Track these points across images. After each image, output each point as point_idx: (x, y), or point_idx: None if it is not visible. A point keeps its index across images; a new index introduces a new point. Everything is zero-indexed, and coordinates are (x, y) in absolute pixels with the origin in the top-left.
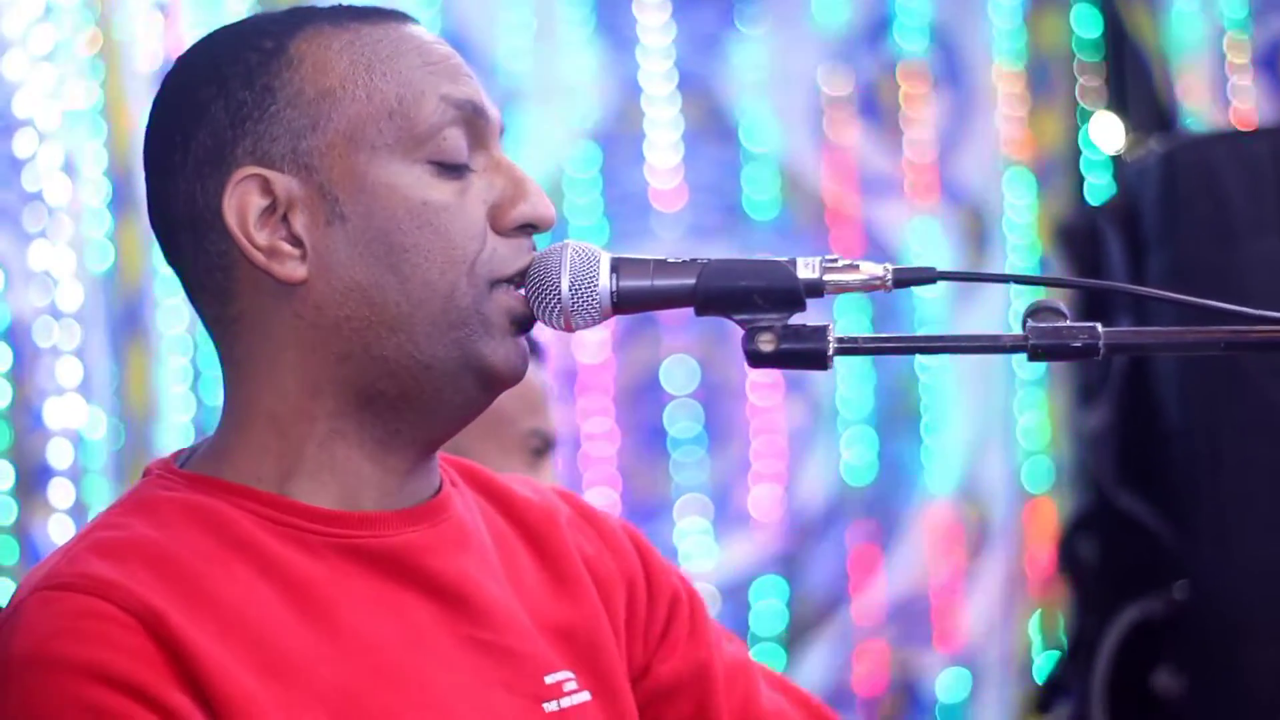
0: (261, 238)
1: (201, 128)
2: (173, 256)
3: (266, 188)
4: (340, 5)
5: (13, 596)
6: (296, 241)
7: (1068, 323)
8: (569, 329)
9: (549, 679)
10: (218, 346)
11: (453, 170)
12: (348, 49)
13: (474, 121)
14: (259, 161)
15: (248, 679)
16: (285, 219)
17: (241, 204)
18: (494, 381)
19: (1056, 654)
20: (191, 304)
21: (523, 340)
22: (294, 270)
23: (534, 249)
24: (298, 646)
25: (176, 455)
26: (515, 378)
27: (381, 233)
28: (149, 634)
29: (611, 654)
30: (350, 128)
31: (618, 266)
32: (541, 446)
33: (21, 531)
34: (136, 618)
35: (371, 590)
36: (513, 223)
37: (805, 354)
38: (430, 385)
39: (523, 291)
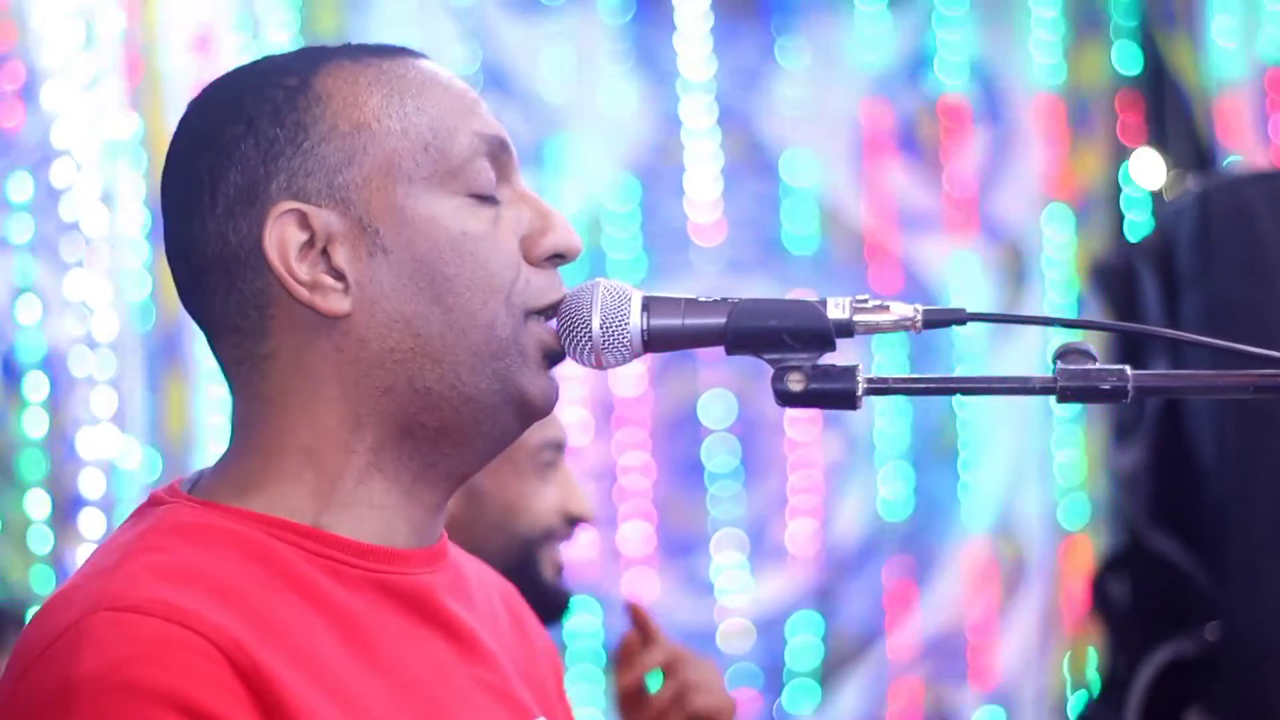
0: (303, 272)
1: (231, 167)
2: (197, 297)
3: (305, 222)
4: (352, 44)
5: (50, 616)
6: (338, 275)
7: (1097, 365)
8: (600, 367)
9: None
10: (240, 383)
11: (485, 201)
12: (376, 83)
13: (499, 155)
14: (295, 197)
15: (323, 711)
16: (325, 253)
17: (281, 239)
18: (531, 413)
19: (1087, 694)
20: (212, 343)
21: (554, 374)
22: (337, 304)
23: (561, 279)
24: (353, 679)
25: (178, 484)
26: (549, 410)
27: (424, 264)
28: (231, 665)
29: (562, 707)
30: (386, 161)
31: (649, 305)
32: (553, 457)
33: (57, 560)
34: (218, 648)
35: (403, 627)
36: (544, 253)
37: (834, 394)
38: (470, 417)
39: (554, 324)
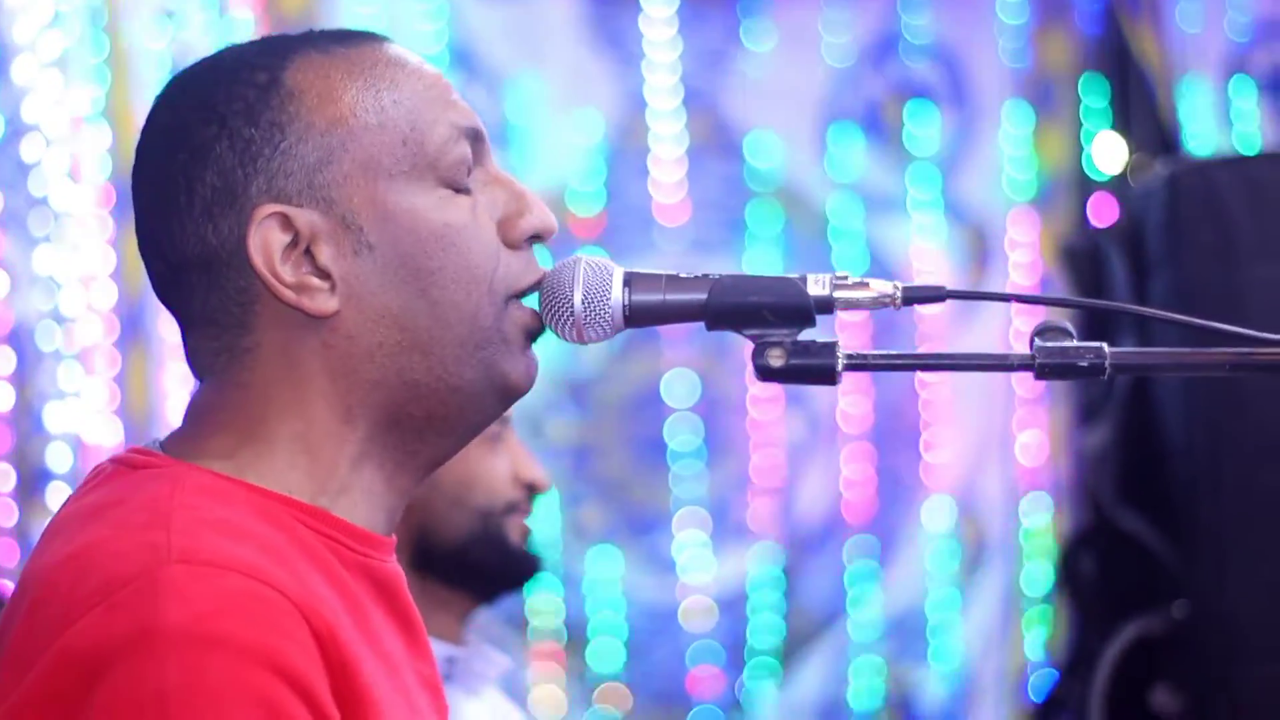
0: (287, 274)
1: (207, 168)
2: (175, 295)
3: (288, 224)
4: (315, 31)
5: (92, 567)
6: (323, 274)
7: (1075, 343)
8: (581, 341)
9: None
10: (216, 371)
11: (462, 190)
12: (348, 76)
13: (476, 139)
14: (275, 198)
15: (373, 686)
16: (308, 253)
17: (265, 242)
18: (513, 395)
19: (1055, 671)
20: (187, 334)
21: (534, 352)
22: (324, 303)
23: (536, 260)
24: (366, 654)
25: (148, 448)
26: (529, 388)
27: (409, 258)
28: (309, 625)
29: None
30: (365, 157)
31: (630, 281)
32: (499, 429)
33: (21, 534)
34: (297, 607)
35: (381, 614)
36: (521, 235)
37: (814, 369)
38: (456, 406)
39: (538, 305)
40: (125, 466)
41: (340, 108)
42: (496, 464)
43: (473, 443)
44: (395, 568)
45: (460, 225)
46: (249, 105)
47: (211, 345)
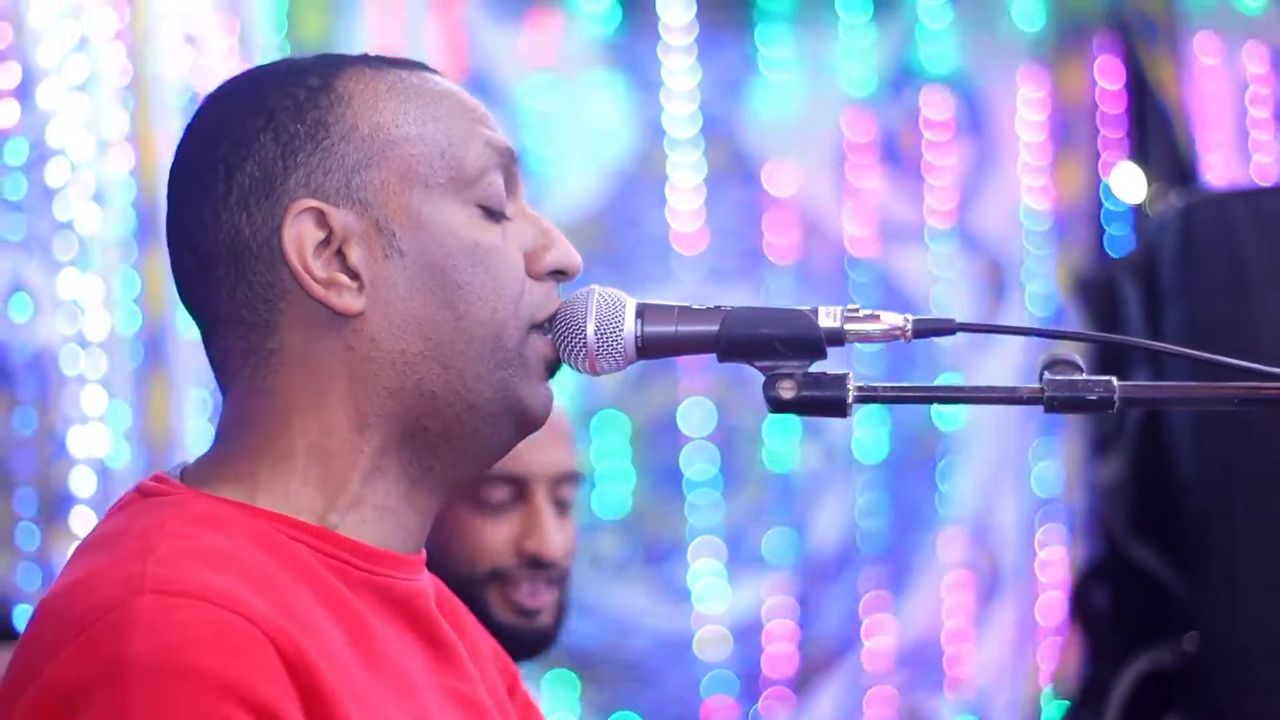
0: (318, 269)
1: (249, 159)
2: (200, 288)
3: (323, 220)
4: (370, 54)
5: (81, 598)
6: (352, 274)
7: (1084, 376)
8: (594, 372)
9: None
10: (243, 377)
11: (495, 215)
12: (394, 90)
13: (509, 169)
14: (313, 194)
15: (347, 705)
16: (339, 253)
17: (300, 236)
18: (529, 424)
19: (1067, 702)
20: (211, 335)
21: (551, 385)
22: (351, 302)
23: (557, 294)
24: (361, 678)
25: (164, 476)
26: (543, 421)
27: (438, 269)
28: (279, 653)
29: (516, 708)
30: (404, 165)
31: (643, 312)
32: (506, 495)
33: (43, 559)
34: (266, 635)
35: (395, 631)
36: (546, 268)
37: (825, 401)
38: (471, 424)
39: (551, 336)
40: (140, 494)
41: (383, 116)
42: (492, 529)
43: (460, 505)
44: (419, 585)
45: (490, 246)
46: (298, 103)
47: (237, 346)
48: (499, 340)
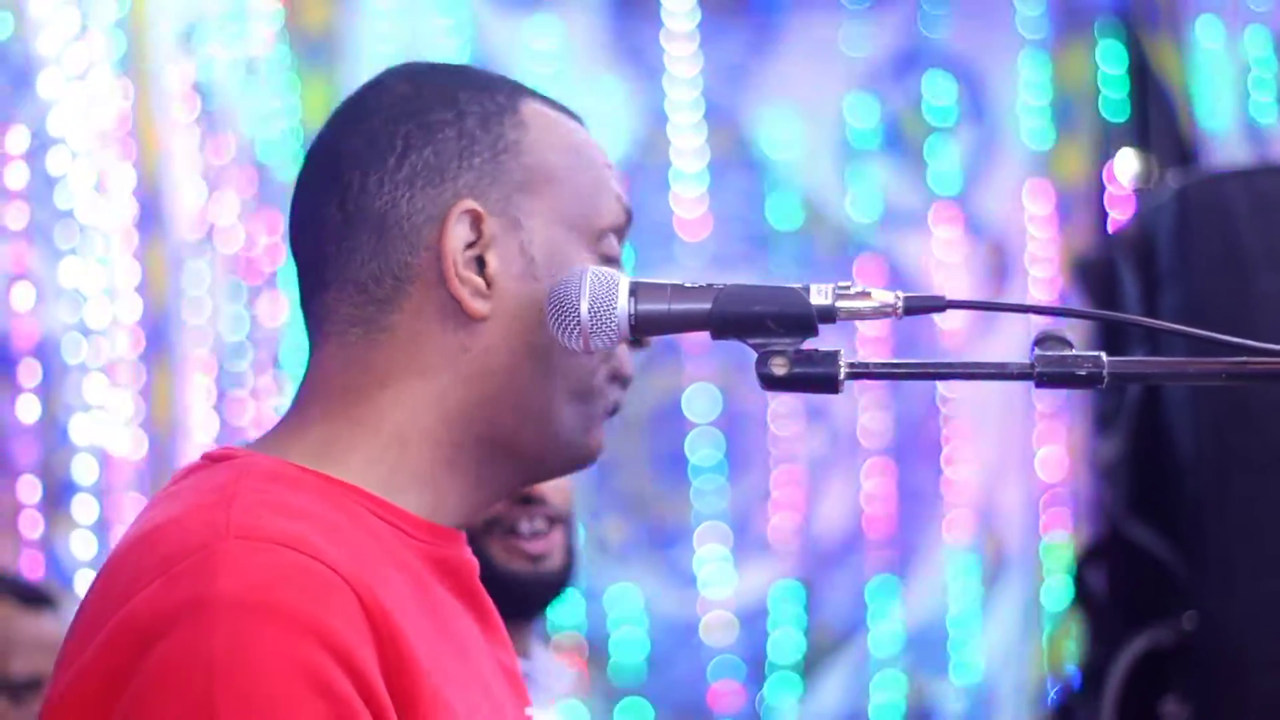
0: (461, 265)
1: (429, 144)
2: (334, 244)
3: (477, 225)
4: (544, 94)
5: (160, 543)
6: (487, 282)
7: (1074, 351)
8: (587, 350)
9: (528, 710)
10: (345, 344)
11: (611, 265)
12: (560, 128)
13: (623, 230)
14: (477, 198)
15: (428, 665)
16: (480, 259)
17: (458, 232)
18: (581, 459)
19: (1066, 685)
20: (323, 291)
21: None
22: (480, 306)
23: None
24: (433, 638)
25: (233, 447)
26: (592, 463)
27: None
28: (361, 605)
29: None
30: (558, 201)
31: (636, 290)
32: None
33: (47, 546)
34: (349, 585)
35: (453, 600)
36: (620, 373)
37: (816, 377)
38: (546, 449)
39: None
40: (207, 460)
41: (554, 153)
42: None
43: None
44: (469, 558)
45: None
46: (486, 112)
47: (352, 311)
48: (592, 378)
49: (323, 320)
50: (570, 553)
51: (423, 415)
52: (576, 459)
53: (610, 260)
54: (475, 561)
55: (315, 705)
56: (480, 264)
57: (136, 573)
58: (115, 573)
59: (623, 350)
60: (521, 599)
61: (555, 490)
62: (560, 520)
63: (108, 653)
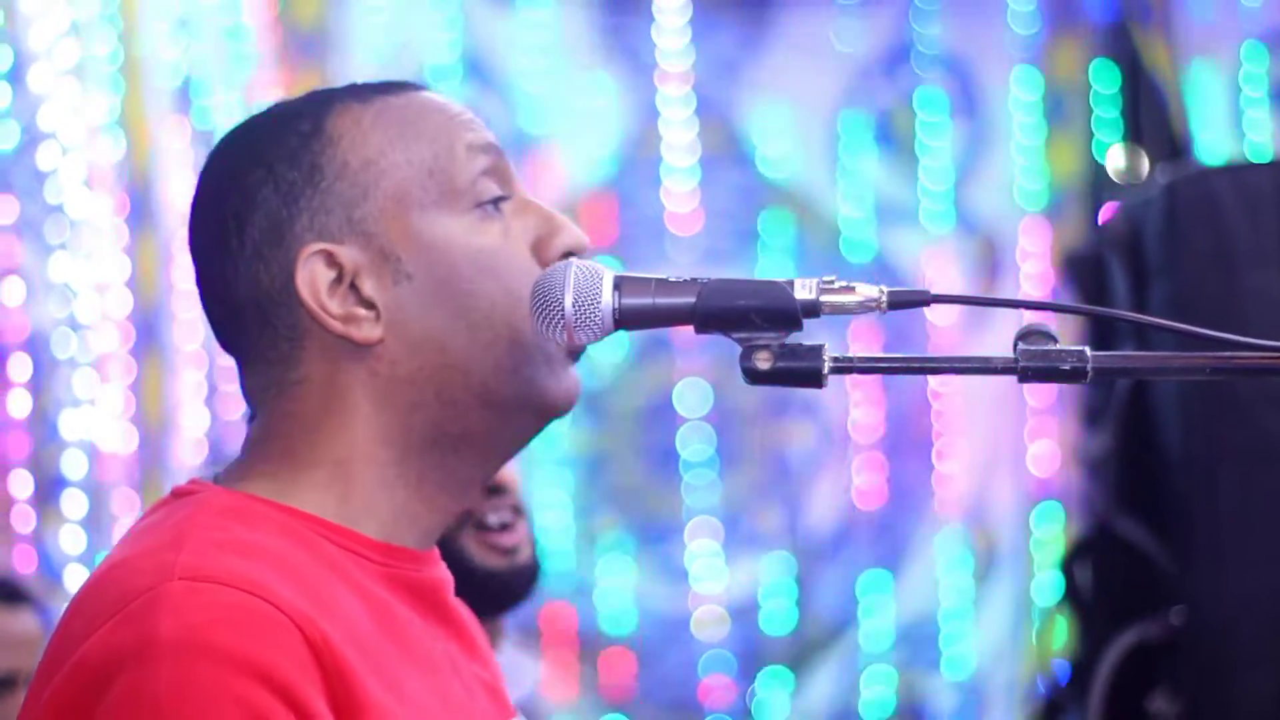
0: (335, 306)
1: (255, 210)
2: (234, 335)
3: (332, 260)
4: (357, 83)
5: (113, 584)
6: (368, 304)
7: (1057, 346)
8: (572, 343)
9: None
10: (268, 404)
11: (493, 213)
12: (379, 119)
13: (498, 164)
14: (319, 236)
15: (378, 693)
16: (353, 286)
17: (312, 278)
18: (553, 413)
19: (1056, 677)
20: (246, 374)
21: (575, 371)
22: (370, 332)
23: None
24: (394, 663)
25: (197, 480)
26: (570, 407)
27: (445, 284)
28: (304, 639)
29: None
30: (397, 191)
31: (620, 284)
32: None
33: (38, 540)
34: (292, 621)
35: (421, 619)
36: (555, 254)
37: (801, 372)
38: (493, 424)
39: (529, 308)
40: (174, 496)
41: (371, 148)
42: None
43: None
44: (436, 575)
45: (494, 249)
46: (292, 151)
47: (263, 381)
48: (516, 339)
49: (249, 393)
50: (534, 544)
51: (359, 444)
52: (541, 416)
53: (487, 199)
54: (447, 578)
55: None
56: (357, 290)
57: (94, 613)
58: (78, 610)
59: None
60: (501, 595)
61: (512, 479)
62: (522, 510)
63: (63, 693)
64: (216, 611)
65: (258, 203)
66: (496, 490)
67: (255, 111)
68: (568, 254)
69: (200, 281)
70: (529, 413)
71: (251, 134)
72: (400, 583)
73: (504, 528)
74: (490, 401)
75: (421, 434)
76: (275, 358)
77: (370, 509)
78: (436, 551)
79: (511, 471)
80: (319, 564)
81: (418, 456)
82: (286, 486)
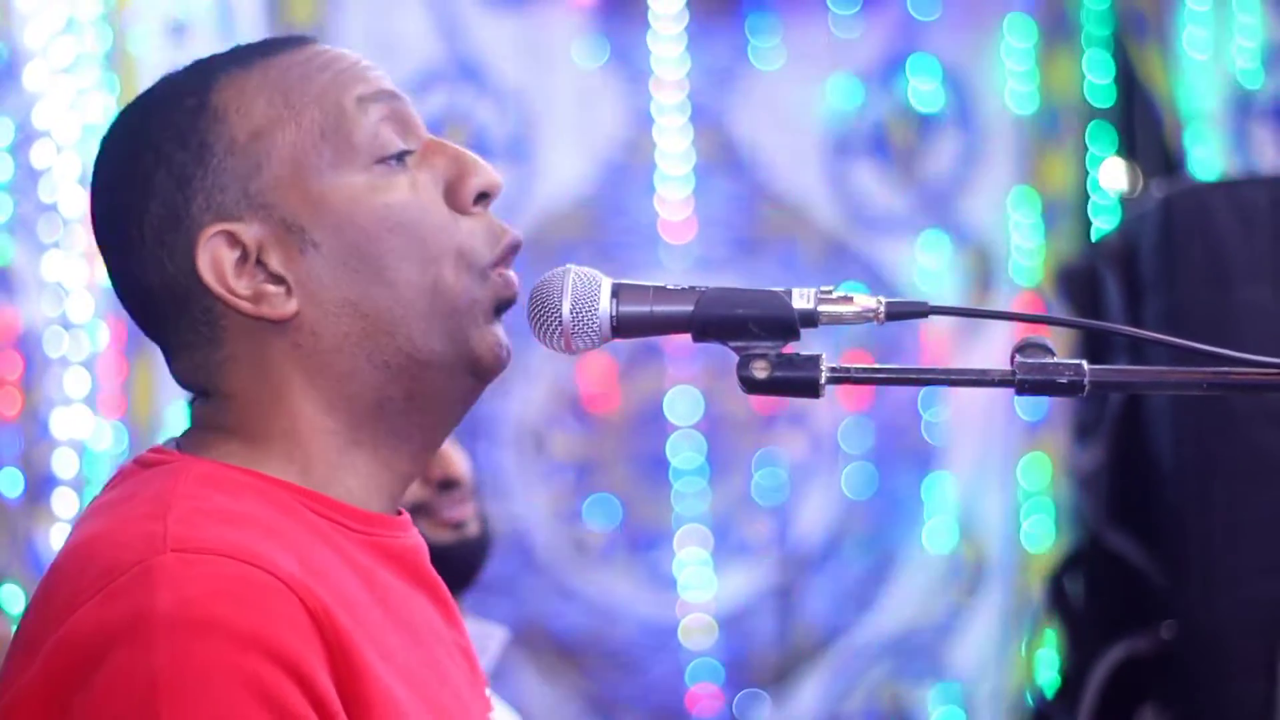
0: (242, 287)
1: (150, 198)
2: (153, 325)
3: (234, 240)
4: (242, 46)
5: (95, 558)
6: (278, 280)
7: (1054, 359)
8: (569, 351)
9: (488, 691)
10: (200, 387)
11: (396, 164)
12: (262, 86)
13: (396, 111)
14: (217, 216)
15: (376, 662)
16: (260, 262)
17: (215, 261)
18: (484, 370)
19: (1045, 690)
20: (172, 363)
21: (499, 326)
22: (283, 307)
23: (498, 220)
24: (382, 628)
25: (163, 447)
26: (501, 366)
27: (355, 246)
28: (306, 610)
29: None
30: (291, 158)
31: (618, 291)
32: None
33: (27, 540)
34: (292, 590)
35: (402, 585)
36: (469, 197)
37: (798, 381)
38: (431, 382)
39: (513, 273)
40: (140, 465)
41: (258, 118)
42: None
43: None
44: (412, 541)
45: (401, 203)
46: (180, 131)
47: (189, 365)
48: (435, 292)
49: (181, 379)
50: (484, 520)
51: (302, 415)
52: (475, 372)
53: (388, 153)
54: (422, 544)
55: (261, 718)
56: (264, 266)
57: (74, 590)
58: (53, 588)
59: (465, 231)
60: (451, 568)
61: (465, 471)
62: (473, 493)
63: (48, 672)
64: (215, 584)
65: (152, 189)
66: (449, 485)
67: (142, 91)
68: (482, 195)
69: (111, 274)
70: (460, 368)
71: (139, 116)
72: (380, 549)
73: (452, 508)
74: (421, 360)
75: (365, 400)
76: (197, 341)
77: (335, 477)
78: (408, 517)
79: (462, 464)
80: (305, 531)
81: (368, 422)
82: (252, 458)
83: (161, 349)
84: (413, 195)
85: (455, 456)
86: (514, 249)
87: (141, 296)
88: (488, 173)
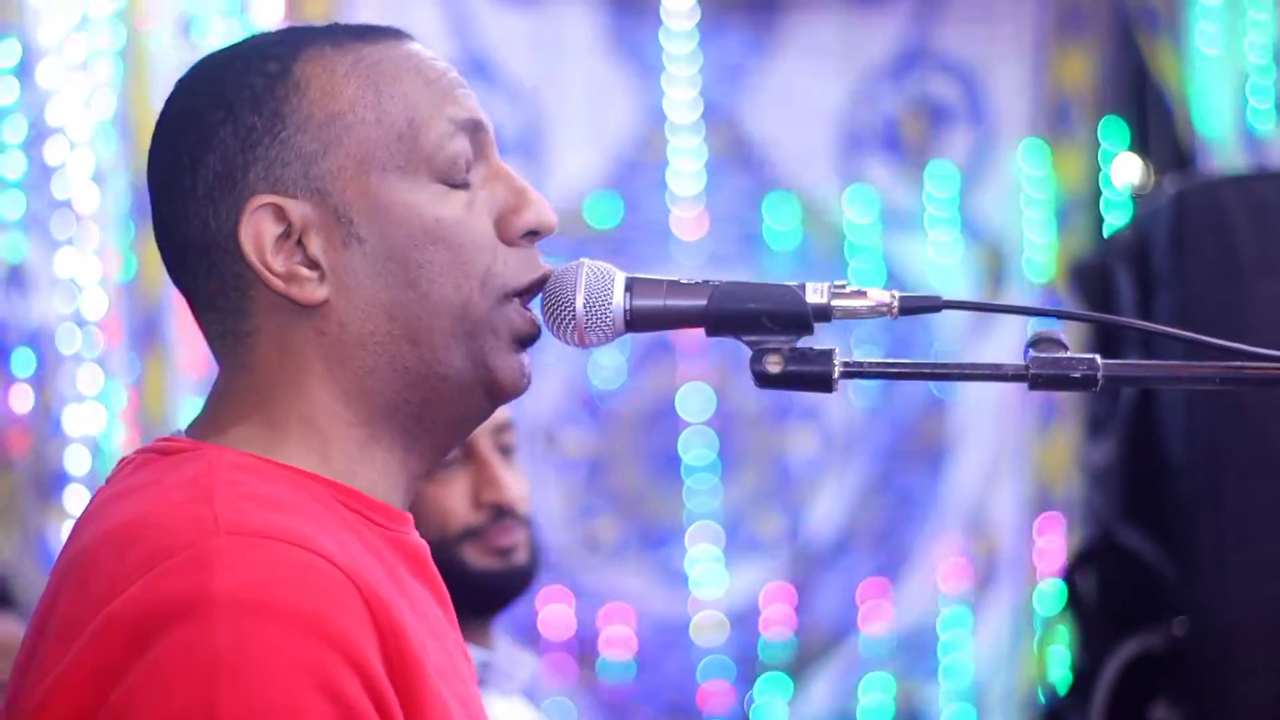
0: (278, 264)
1: (210, 152)
2: (182, 275)
3: (281, 215)
4: (338, 25)
5: (140, 541)
6: (313, 264)
7: (1068, 354)
8: (582, 345)
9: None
10: (224, 354)
11: (459, 185)
12: (352, 71)
13: (477, 137)
14: (271, 188)
15: (422, 652)
16: (300, 243)
17: (257, 233)
18: (500, 394)
19: (1055, 689)
20: (197, 318)
21: (525, 355)
22: (313, 292)
23: (539, 256)
24: (412, 621)
25: (178, 436)
26: (519, 391)
27: (398, 251)
28: (360, 594)
29: None
30: (361, 151)
31: (632, 286)
32: (453, 453)
33: (39, 536)
34: (347, 576)
35: (416, 584)
36: (518, 231)
37: (811, 376)
38: (447, 395)
39: (531, 310)
40: (155, 454)
41: (340, 102)
42: (446, 492)
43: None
44: (419, 540)
45: (453, 221)
46: (255, 94)
47: (215, 329)
48: (465, 313)
49: (207, 336)
50: (534, 550)
51: (320, 402)
52: (491, 395)
53: (455, 180)
54: (424, 543)
55: (321, 708)
56: (304, 248)
57: (118, 570)
58: (88, 570)
59: (507, 261)
60: (494, 594)
61: (520, 499)
62: (526, 523)
63: (94, 651)
64: (273, 569)
65: (214, 145)
66: (503, 512)
67: (230, 43)
68: (531, 232)
69: (154, 219)
70: (477, 388)
71: (217, 70)
72: (399, 545)
73: (503, 535)
74: (441, 372)
75: (381, 398)
76: (224, 305)
77: (357, 470)
78: (411, 516)
79: (517, 491)
80: (338, 522)
81: (385, 419)
82: (272, 445)
83: (186, 299)
84: (465, 215)
85: (512, 482)
86: (542, 284)
87: (179, 243)
88: (544, 212)
